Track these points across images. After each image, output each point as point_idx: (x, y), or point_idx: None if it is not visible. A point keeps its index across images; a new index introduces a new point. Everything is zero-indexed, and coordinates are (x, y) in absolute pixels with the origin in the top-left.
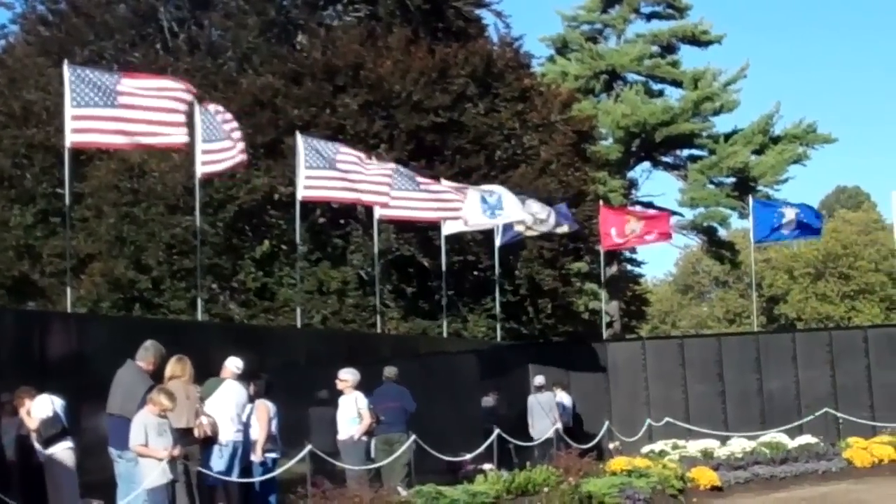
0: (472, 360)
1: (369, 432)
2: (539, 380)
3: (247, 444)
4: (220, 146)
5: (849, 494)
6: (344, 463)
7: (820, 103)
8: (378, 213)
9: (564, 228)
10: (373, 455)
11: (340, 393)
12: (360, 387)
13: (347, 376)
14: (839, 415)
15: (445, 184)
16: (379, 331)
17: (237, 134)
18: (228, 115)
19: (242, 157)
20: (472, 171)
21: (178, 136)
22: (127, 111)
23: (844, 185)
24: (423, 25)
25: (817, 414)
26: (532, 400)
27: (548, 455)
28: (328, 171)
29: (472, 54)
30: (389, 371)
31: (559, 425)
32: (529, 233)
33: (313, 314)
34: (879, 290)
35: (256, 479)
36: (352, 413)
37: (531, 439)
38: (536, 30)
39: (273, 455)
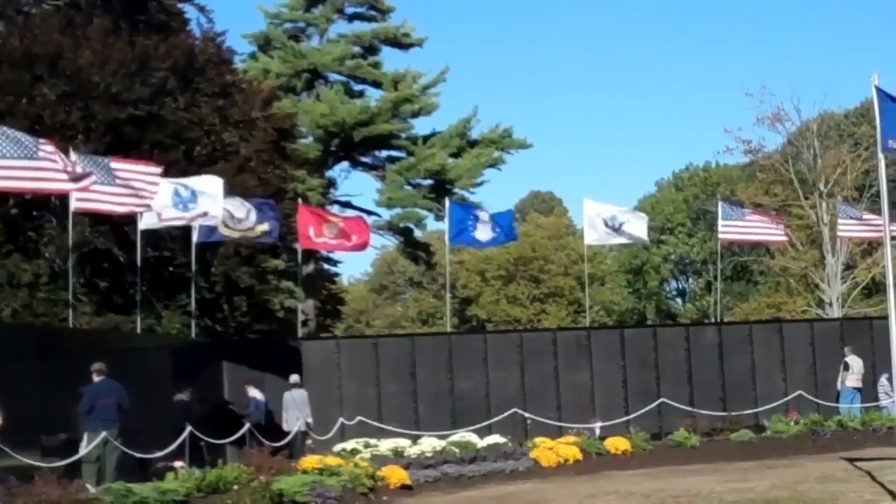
0: (166, 356)
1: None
2: (294, 378)
3: None
4: None
5: (534, 493)
6: None
7: (516, 109)
8: (73, 205)
9: (265, 227)
10: (82, 451)
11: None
12: None
13: None
14: (527, 415)
15: (143, 168)
16: (71, 325)
17: None
18: None
19: None
20: (171, 165)
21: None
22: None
23: (538, 190)
24: (124, 17)
25: (506, 414)
26: (287, 396)
27: (301, 448)
28: (24, 162)
29: (174, 48)
30: (100, 366)
31: (310, 420)
32: (228, 233)
33: (3, 307)
34: (568, 293)
35: None
36: None
37: (223, 436)
38: (239, 26)
39: None
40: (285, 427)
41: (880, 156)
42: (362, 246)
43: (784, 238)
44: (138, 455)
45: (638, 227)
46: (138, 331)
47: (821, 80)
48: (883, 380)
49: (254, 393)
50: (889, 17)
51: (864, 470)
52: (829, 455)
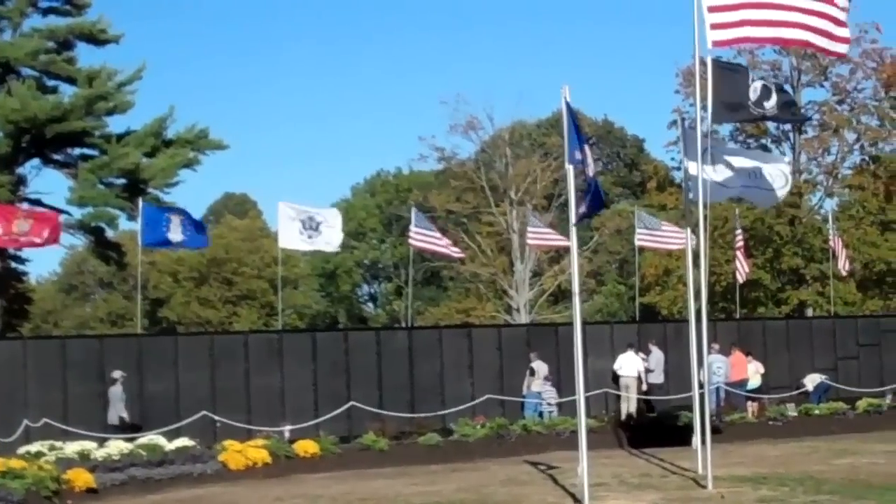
0: None
1: None
2: (115, 374)
3: None
4: None
5: (223, 497)
6: None
7: (212, 110)
8: None
9: None
10: None
11: None
12: None
13: None
14: (217, 418)
15: None
16: None
17: None
18: None
19: None
20: None
21: None
22: None
23: (233, 192)
24: None
25: (196, 417)
26: (110, 390)
27: None
28: None
29: None
30: None
31: (123, 414)
32: None
33: None
34: (261, 296)
35: None
36: None
37: None
38: None
39: None
40: (109, 421)
41: (568, 166)
42: (53, 240)
43: (461, 255)
44: None
45: (335, 227)
46: None
47: (514, 90)
48: (547, 386)
49: None
50: (580, 29)
51: (547, 473)
52: (514, 458)
